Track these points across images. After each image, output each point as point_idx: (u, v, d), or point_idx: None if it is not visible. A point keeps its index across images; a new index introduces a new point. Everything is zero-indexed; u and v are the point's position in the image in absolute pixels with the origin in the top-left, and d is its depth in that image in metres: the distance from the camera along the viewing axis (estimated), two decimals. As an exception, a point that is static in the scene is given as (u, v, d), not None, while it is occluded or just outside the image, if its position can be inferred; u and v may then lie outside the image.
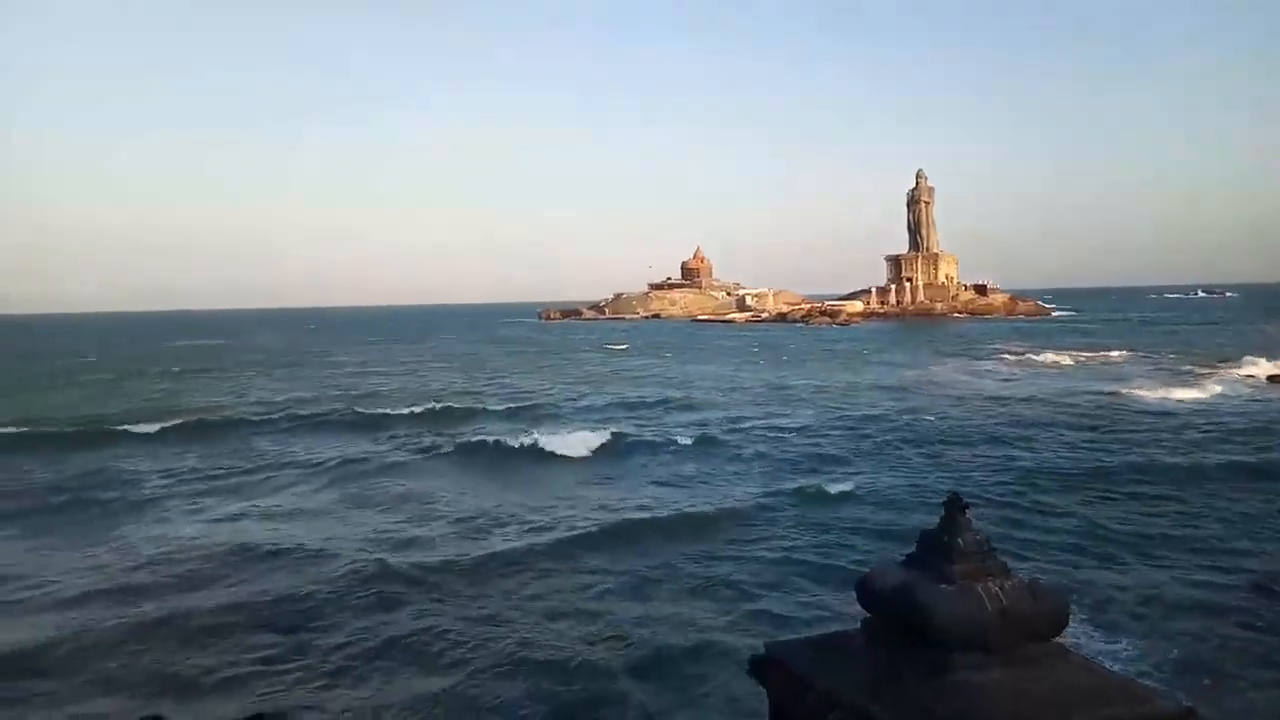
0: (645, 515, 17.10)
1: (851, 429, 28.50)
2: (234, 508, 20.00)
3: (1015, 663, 2.79)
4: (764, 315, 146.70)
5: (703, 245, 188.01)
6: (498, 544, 15.53)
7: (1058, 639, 3.00)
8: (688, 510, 17.55)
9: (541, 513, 17.96)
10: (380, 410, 35.58)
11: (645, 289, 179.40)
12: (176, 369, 65.11)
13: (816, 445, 25.95)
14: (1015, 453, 24.21)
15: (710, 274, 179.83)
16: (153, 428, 30.91)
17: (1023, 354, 59.82)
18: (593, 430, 28.00)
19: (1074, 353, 59.66)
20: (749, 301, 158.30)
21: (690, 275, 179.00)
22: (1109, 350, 61.18)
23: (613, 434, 27.25)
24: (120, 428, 30.94)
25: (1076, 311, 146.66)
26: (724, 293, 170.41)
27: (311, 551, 15.46)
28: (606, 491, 20.26)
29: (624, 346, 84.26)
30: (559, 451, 24.96)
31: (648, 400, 38.15)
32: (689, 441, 26.50)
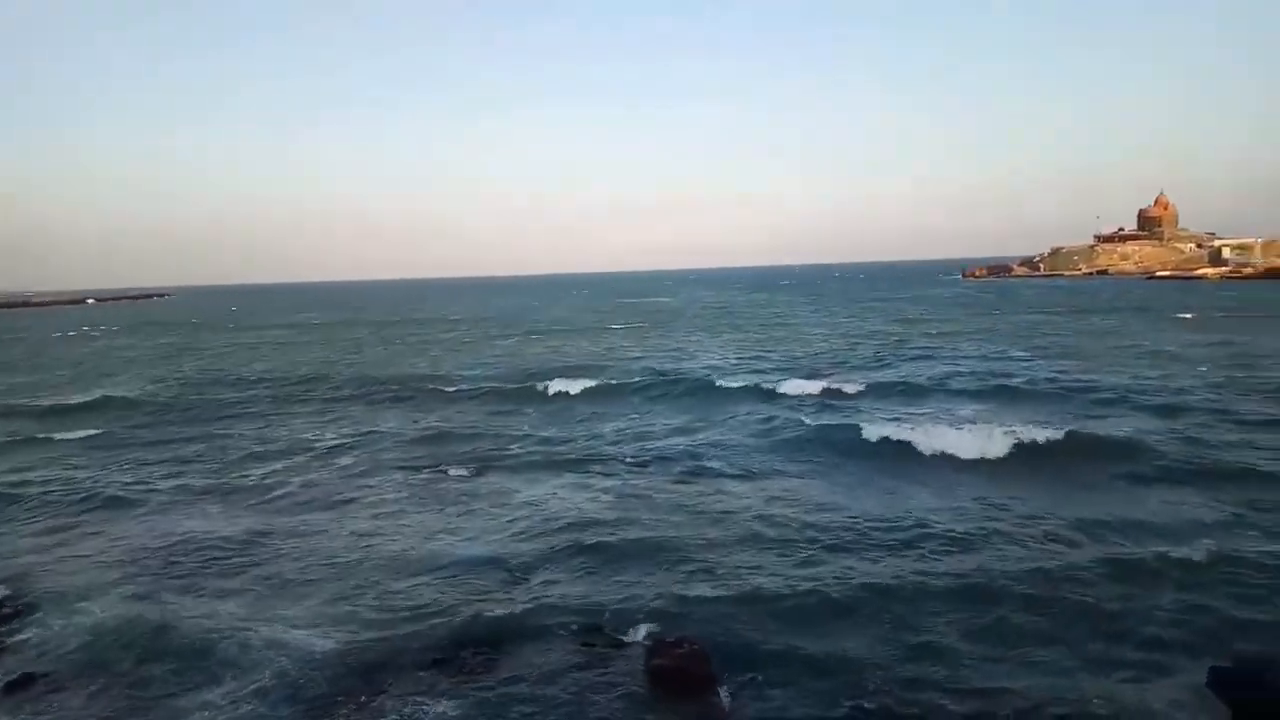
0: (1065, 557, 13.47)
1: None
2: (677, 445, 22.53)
3: None
4: (1247, 270, 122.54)
5: (1167, 190, 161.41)
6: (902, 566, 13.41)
7: None
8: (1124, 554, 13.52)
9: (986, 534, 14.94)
10: (773, 381, 34.87)
11: (1090, 242, 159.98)
12: (620, 325, 73.04)
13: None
14: None
15: (1175, 223, 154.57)
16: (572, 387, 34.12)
17: None
18: (1042, 425, 22.55)
19: None
20: (1226, 254, 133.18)
21: (1150, 225, 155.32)
22: None
23: (1067, 432, 21.59)
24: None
25: None
26: (1193, 244, 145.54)
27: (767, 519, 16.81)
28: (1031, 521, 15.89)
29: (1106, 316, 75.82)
30: (989, 454, 20.61)
31: (1105, 385, 30.90)
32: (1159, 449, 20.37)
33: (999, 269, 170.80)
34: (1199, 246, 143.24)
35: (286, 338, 71.28)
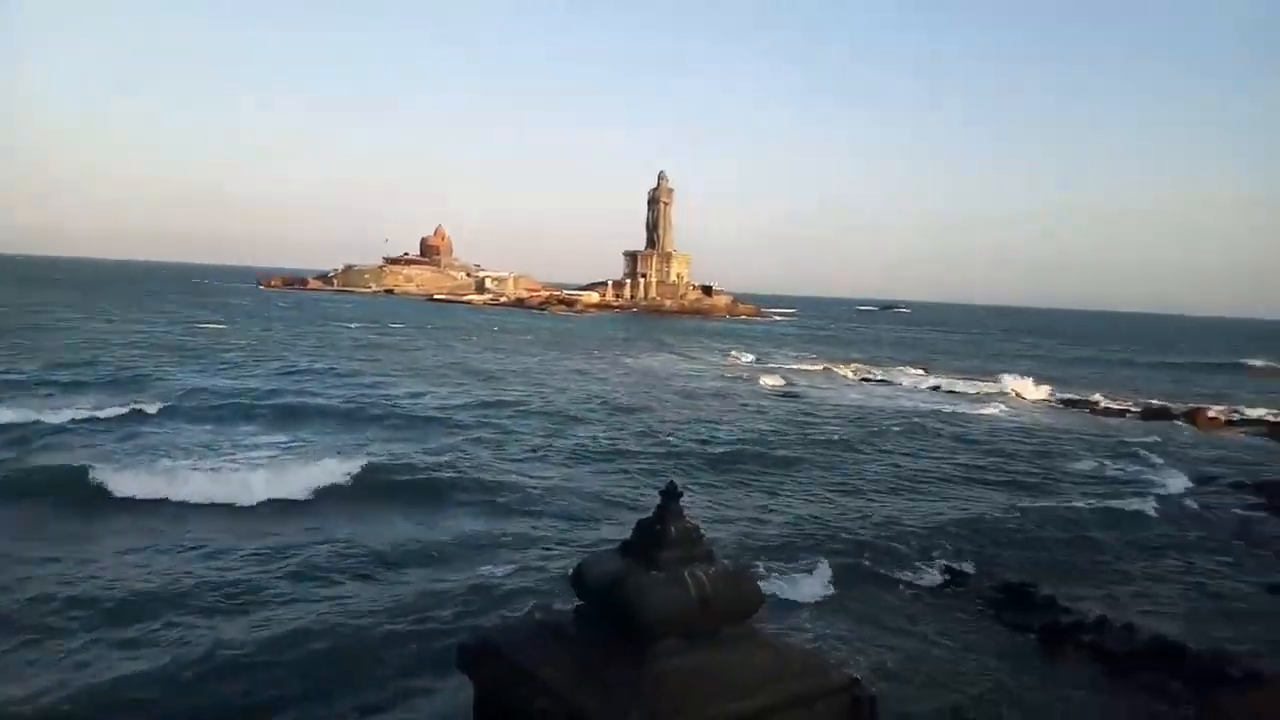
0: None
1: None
2: None
3: (712, 646, 2.96)
4: (503, 299, 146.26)
5: (445, 223, 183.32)
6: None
7: (751, 620, 3.23)
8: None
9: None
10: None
11: (380, 262, 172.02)
12: None
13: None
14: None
15: (450, 253, 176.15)
16: None
17: (724, 350, 65.08)
18: (338, 458, 20.41)
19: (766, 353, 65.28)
20: (489, 284, 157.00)
21: (430, 252, 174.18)
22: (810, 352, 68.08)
23: (367, 463, 20.20)
24: None
25: (793, 315, 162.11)
26: (464, 273, 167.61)
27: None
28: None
29: (399, 325, 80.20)
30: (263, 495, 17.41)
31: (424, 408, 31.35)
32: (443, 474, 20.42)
33: (296, 281, 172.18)
34: (468, 275, 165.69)
35: None
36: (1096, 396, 45.35)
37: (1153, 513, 20.10)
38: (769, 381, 45.16)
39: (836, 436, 28.77)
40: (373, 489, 18.84)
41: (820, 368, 57.20)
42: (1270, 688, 9.22)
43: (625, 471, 22.18)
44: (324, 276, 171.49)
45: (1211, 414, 39.29)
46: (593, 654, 3.03)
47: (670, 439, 26.74)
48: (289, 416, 27.75)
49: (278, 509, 17.20)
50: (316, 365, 41.97)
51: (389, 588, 13.32)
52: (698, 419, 31.13)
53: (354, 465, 19.77)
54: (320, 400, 31.28)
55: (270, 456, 21.19)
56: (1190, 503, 21.52)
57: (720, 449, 25.47)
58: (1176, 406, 41.63)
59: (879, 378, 52.33)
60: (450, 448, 23.89)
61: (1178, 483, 23.98)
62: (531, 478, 20.92)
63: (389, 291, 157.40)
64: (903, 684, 10.78)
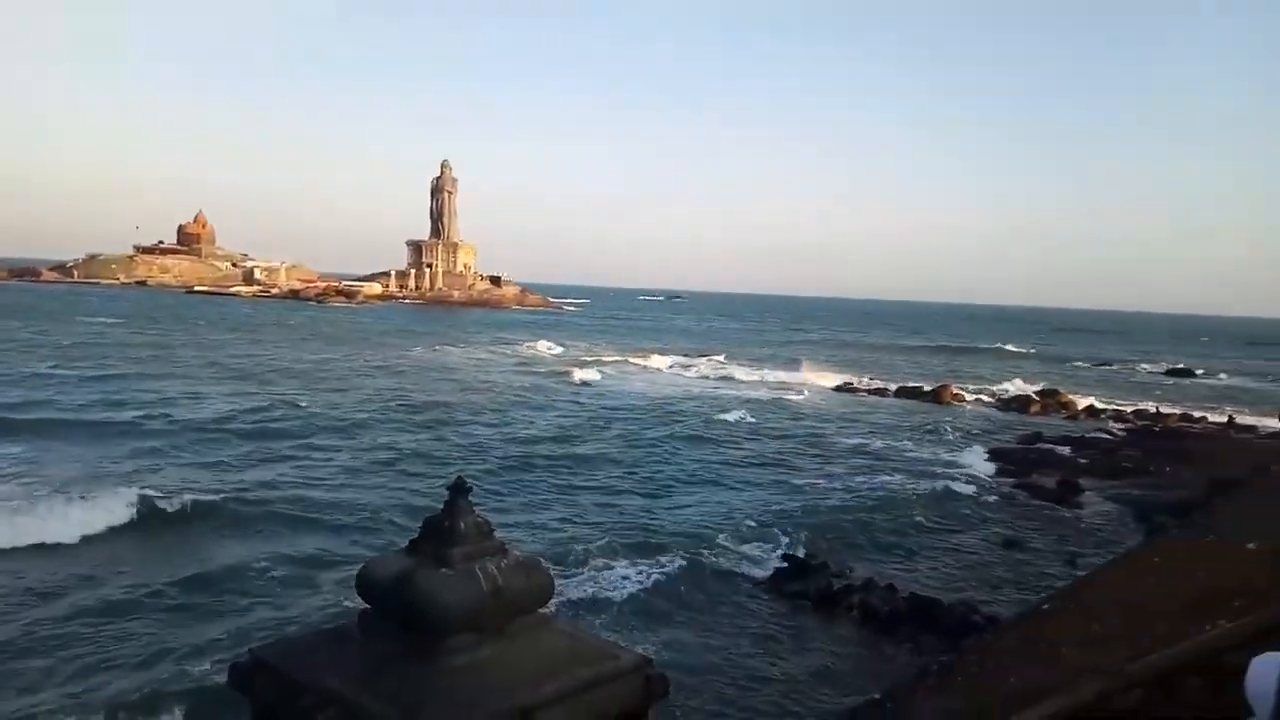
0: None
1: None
2: None
3: (504, 637, 2.92)
4: (274, 291, 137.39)
5: (206, 209, 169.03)
6: None
7: (544, 610, 3.22)
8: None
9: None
10: None
11: (130, 251, 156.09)
12: None
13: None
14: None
15: (213, 241, 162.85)
16: None
17: (515, 342, 65.12)
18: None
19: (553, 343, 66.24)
20: (258, 275, 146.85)
21: (189, 241, 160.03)
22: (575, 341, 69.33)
23: (129, 487, 17.63)
24: None
25: (584, 305, 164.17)
26: (229, 263, 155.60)
27: None
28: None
29: (108, 321, 72.43)
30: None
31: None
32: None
33: (25, 271, 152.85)
34: (234, 265, 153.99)
35: None
36: (863, 379, 49.37)
37: (910, 481, 22.28)
38: (568, 373, 45.39)
39: (636, 428, 29.44)
40: (140, 517, 16.47)
41: (619, 358, 58.19)
42: (1006, 631, 10.42)
43: (421, 475, 21.17)
44: (61, 267, 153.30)
45: (954, 391, 43.91)
46: (381, 657, 2.90)
47: (469, 438, 26.24)
48: (32, 434, 23.65)
49: (30, 550, 14.61)
50: (61, 370, 37.22)
51: (163, 624, 11.95)
52: (497, 416, 30.77)
53: (115, 490, 17.37)
54: (70, 414, 27.21)
55: (11, 481, 18.31)
56: (940, 470, 24.00)
57: (519, 448, 25.16)
58: (927, 385, 46.10)
59: (674, 367, 54.04)
60: (225, 461, 21.89)
61: (930, 453, 26.70)
62: (317, 489, 19.61)
63: (141, 283, 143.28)
64: (691, 658, 11.25)
